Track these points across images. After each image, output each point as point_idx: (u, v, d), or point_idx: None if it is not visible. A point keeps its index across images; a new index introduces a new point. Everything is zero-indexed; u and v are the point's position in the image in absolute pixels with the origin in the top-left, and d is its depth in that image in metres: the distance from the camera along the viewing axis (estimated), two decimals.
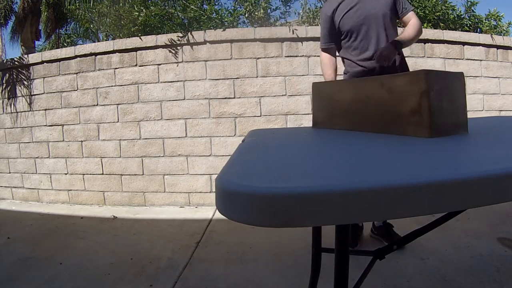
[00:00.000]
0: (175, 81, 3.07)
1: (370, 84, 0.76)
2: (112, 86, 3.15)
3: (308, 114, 3.01)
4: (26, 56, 3.47)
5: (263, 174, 0.43)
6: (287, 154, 0.61)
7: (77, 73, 3.23)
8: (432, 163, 0.44)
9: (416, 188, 0.33)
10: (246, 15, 3.54)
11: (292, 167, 0.47)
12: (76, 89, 3.24)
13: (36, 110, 3.39)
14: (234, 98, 3.02)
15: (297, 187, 0.33)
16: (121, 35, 3.73)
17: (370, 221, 0.33)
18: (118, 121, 3.15)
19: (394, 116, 0.69)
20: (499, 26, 5.00)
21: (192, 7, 3.39)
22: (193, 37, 3.04)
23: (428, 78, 0.63)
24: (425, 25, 4.76)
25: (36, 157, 3.42)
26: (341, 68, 1.97)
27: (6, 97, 3.51)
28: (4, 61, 3.64)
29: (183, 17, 3.51)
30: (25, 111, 3.44)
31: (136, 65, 3.11)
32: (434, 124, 0.63)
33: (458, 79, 0.69)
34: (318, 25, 4.19)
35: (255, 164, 0.52)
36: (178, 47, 3.05)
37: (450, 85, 0.66)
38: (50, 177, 3.38)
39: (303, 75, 3.00)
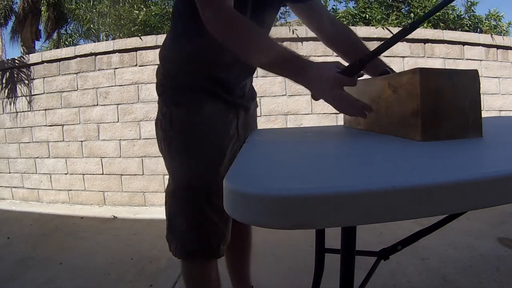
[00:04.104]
0: None
1: (381, 83, 0.74)
2: (112, 86, 3.15)
3: (308, 114, 3.01)
4: (26, 56, 3.48)
5: (272, 174, 0.42)
6: (293, 154, 0.60)
7: (77, 73, 3.23)
8: (442, 165, 0.44)
9: (430, 190, 0.32)
10: None
11: (300, 167, 0.47)
12: (76, 89, 3.24)
13: (36, 110, 3.39)
14: None
15: (310, 188, 0.32)
16: (121, 35, 3.73)
17: (381, 222, 0.32)
18: (118, 121, 3.15)
19: (397, 117, 0.68)
20: (499, 26, 5.01)
21: None
22: None
23: (422, 76, 0.59)
24: (425, 25, 4.76)
25: (36, 157, 3.42)
26: None
27: (6, 97, 3.51)
28: (4, 61, 3.64)
29: None
30: (25, 111, 3.44)
31: (136, 65, 3.11)
32: (427, 126, 0.59)
33: (469, 77, 0.63)
34: None
35: (263, 164, 0.51)
36: None
37: (458, 84, 0.61)
38: (50, 177, 3.38)
39: None
